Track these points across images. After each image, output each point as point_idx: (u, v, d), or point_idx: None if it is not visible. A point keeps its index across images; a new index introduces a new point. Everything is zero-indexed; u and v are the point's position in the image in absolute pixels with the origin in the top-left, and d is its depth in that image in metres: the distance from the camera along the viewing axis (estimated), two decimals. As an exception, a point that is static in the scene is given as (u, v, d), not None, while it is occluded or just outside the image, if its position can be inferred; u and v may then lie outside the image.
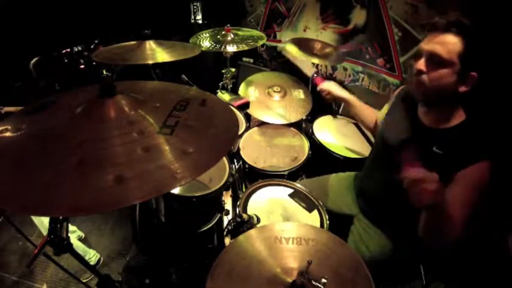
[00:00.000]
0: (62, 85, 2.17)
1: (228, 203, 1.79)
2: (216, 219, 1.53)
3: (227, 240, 1.35)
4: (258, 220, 1.21)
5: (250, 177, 1.79)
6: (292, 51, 2.04)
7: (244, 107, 1.85)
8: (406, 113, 1.20)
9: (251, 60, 3.00)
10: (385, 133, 1.31)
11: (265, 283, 0.85)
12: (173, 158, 0.65)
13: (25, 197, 0.57)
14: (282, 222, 1.28)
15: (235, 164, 1.74)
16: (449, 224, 0.98)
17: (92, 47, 2.29)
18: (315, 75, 1.82)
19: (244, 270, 0.87)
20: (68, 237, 0.83)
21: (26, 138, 0.72)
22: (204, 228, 1.49)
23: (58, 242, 0.81)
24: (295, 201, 1.43)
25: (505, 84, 1.21)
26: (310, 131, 1.95)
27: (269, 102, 2.03)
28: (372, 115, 1.54)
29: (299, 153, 1.90)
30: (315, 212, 1.38)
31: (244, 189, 1.76)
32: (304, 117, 2.00)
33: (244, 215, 1.19)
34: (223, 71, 2.17)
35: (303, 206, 1.40)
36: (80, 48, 2.26)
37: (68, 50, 2.23)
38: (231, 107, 1.71)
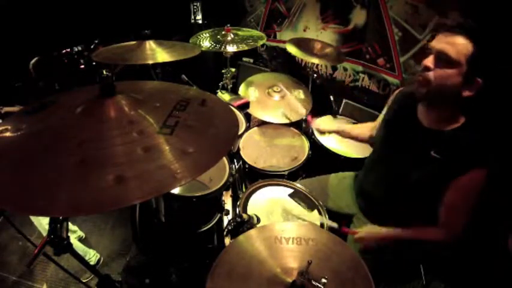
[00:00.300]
0: (61, 85, 2.17)
1: (228, 203, 1.79)
2: (216, 219, 1.53)
3: (227, 240, 1.35)
4: (258, 220, 1.21)
5: (250, 177, 1.79)
6: (292, 51, 2.04)
7: (244, 107, 1.85)
8: (405, 113, 1.20)
9: (251, 60, 3.00)
10: (384, 133, 1.31)
11: (265, 283, 0.85)
12: (173, 158, 0.65)
13: (25, 197, 0.57)
14: (282, 222, 1.28)
15: (235, 164, 1.74)
16: (432, 237, 1.12)
17: (92, 47, 2.29)
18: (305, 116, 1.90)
19: (244, 270, 0.87)
20: (68, 237, 0.83)
21: (26, 138, 0.72)
22: (204, 228, 1.49)
23: (58, 242, 0.81)
24: (295, 201, 1.43)
25: (505, 87, 1.21)
26: (310, 131, 1.95)
27: (269, 102, 2.03)
28: (366, 130, 1.55)
29: (299, 153, 1.90)
30: (315, 212, 1.38)
31: (244, 189, 1.76)
32: (304, 117, 2.00)
33: (244, 215, 1.19)
34: (223, 71, 2.17)
35: (303, 206, 1.40)
36: (80, 48, 2.26)
37: (68, 50, 2.23)
38: (231, 107, 1.71)
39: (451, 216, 1.07)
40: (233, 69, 2.18)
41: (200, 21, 2.82)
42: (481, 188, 1.02)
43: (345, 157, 1.77)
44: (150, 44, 1.56)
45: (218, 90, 2.10)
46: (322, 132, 1.75)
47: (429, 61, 1.01)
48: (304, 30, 2.64)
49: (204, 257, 1.45)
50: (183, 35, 2.13)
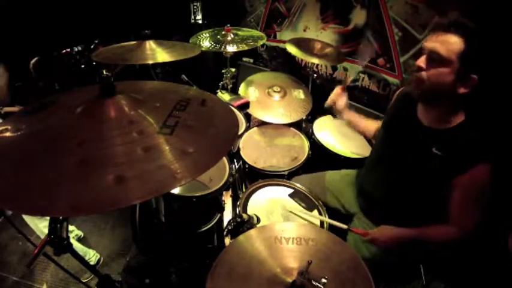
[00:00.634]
0: (61, 85, 2.17)
1: (228, 203, 1.79)
2: (216, 219, 1.53)
3: (227, 240, 1.35)
4: (258, 220, 1.21)
5: (250, 177, 1.79)
6: (292, 51, 2.04)
7: (244, 107, 1.85)
8: (405, 113, 1.20)
9: (251, 60, 3.00)
10: (385, 133, 1.31)
11: (265, 283, 0.85)
12: (173, 158, 0.65)
13: (25, 197, 0.57)
14: (282, 222, 1.28)
15: (235, 164, 1.74)
16: (444, 235, 1.11)
17: (92, 47, 2.29)
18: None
19: (244, 270, 0.87)
20: (68, 237, 0.83)
21: (26, 138, 0.72)
22: (204, 228, 1.49)
23: (58, 242, 0.81)
24: (295, 201, 1.43)
25: (504, 85, 1.21)
26: (310, 131, 1.95)
27: (269, 102, 2.03)
28: (372, 128, 1.55)
29: (299, 153, 1.90)
30: (315, 212, 1.38)
31: (244, 189, 1.76)
32: (304, 117, 2.00)
33: (244, 215, 1.19)
34: (223, 71, 2.17)
35: (303, 206, 1.40)
36: (80, 48, 2.26)
37: (68, 50, 2.23)
38: (231, 107, 1.71)
39: (461, 214, 1.07)
40: (233, 69, 2.18)
41: (200, 21, 2.82)
42: (488, 183, 1.02)
43: (345, 157, 1.77)
44: (150, 44, 1.55)
45: (218, 90, 2.10)
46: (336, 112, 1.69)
47: (421, 61, 1.02)
48: (304, 30, 2.63)
49: (204, 257, 1.45)
50: (183, 35, 2.13)
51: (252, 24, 2.94)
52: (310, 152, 1.83)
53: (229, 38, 1.96)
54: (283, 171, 1.69)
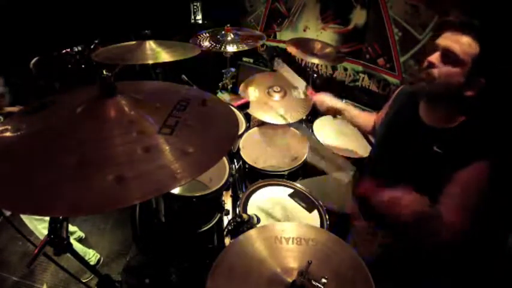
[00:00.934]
0: (62, 84, 2.17)
1: (228, 203, 1.79)
2: (216, 219, 1.53)
3: (227, 240, 1.35)
4: (258, 220, 1.21)
5: (250, 177, 1.79)
6: (292, 51, 2.04)
7: (244, 107, 1.85)
8: (407, 111, 1.20)
9: (251, 60, 3.00)
10: (385, 132, 1.31)
11: (265, 283, 0.85)
12: (173, 158, 0.65)
13: (25, 197, 0.57)
14: (282, 222, 1.28)
15: (235, 164, 1.74)
16: (440, 225, 1.02)
17: (92, 47, 2.29)
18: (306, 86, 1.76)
19: (244, 270, 0.87)
20: (68, 237, 0.83)
21: (26, 138, 0.72)
22: (204, 228, 1.49)
23: (58, 242, 0.81)
24: (295, 201, 1.43)
25: (505, 85, 1.21)
26: (310, 131, 1.95)
27: (269, 102, 2.02)
28: (368, 119, 1.53)
29: (299, 153, 1.90)
30: (315, 212, 1.38)
31: (244, 189, 1.76)
32: (304, 117, 2.00)
33: (244, 215, 1.19)
34: (223, 71, 2.17)
35: (303, 206, 1.40)
36: (80, 48, 2.27)
37: (68, 50, 2.23)
38: (231, 107, 1.71)
39: (454, 211, 1.06)
40: (233, 69, 2.18)
41: (200, 21, 2.82)
42: (483, 185, 1.01)
43: (345, 157, 1.77)
44: (150, 44, 1.56)
45: (218, 90, 2.10)
46: (321, 109, 1.61)
47: (434, 58, 1.01)
48: (304, 30, 2.64)
49: (204, 257, 1.45)
50: (183, 35, 2.13)
51: (252, 24, 2.94)
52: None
53: (229, 38, 1.96)
54: (283, 171, 1.69)
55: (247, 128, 1.94)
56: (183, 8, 2.80)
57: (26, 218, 1.74)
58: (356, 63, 2.40)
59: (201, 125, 0.77)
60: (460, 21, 0.98)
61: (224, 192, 1.56)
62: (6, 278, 1.89)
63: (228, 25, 2.01)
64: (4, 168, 0.63)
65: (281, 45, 2.83)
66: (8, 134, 0.72)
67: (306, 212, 1.38)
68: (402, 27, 2.02)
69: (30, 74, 2.03)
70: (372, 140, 1.89)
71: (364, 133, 1.54)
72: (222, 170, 1.50)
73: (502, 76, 1.02)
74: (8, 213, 1.72)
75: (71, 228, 2.01)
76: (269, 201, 1.42)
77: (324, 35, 2.50)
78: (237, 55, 2.88)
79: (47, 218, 0.93)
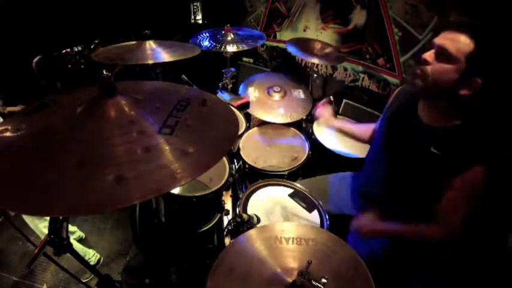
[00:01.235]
0: (63, 84, 2.17)
1: (228, 203, 1.79)
2: (216, 219, 1.53)
3: (227, 240, 1.35)
4: (258, 220, 1.21)
5: (250, 177, 1.79)
6: (292, 51, 2.04)
7: (244, 107, 1.85)
8: (406, 111, 1.20)
9: (251, 60, 3.00)
10: (384, 131, 1.31)
11: (265, 283, 0.85)
12: (173, 158, 0.65)
13: (25, 197, 0.57)
14: (282, 222, 1.28)
15: (235, 164, 1.74)
16: (428, 234, 1.11)
17: (92, 47, 2.29)
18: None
19: (244, 270, 0.87)
20: (68, 237, 0.83)
21: (26, 138, 0.72)
22: (204, 228, 1.49)
23: (58, 242, 0.81)
24: (295, 201, 1.43)
25: (505, 86, 1.21)
26: (310, 131, 1.95)
27: (269, 102, 2.03)
28: (366, 130, 1.54)
29: (299, 153, 1.90)
30: (315, 212, 1.38)
31: (244, 189, 1.76)
32: (304, 117, 2.00)
33: (244, 215, 1.19)
34: (223, 71, 2.17)
35: (303, 206, 1.40)
36: (80, 48, 2.26)
37: (68, 50, 2.22)
38: (231, 107, 1.71)
39: (447, 213, 1.07)
40: (233, 69, 2.18)
41: (200, 21, 2.81)
42: (480, 186, 1.02)
43: (345, 157, 1.77)
44: (150, 44, 1.56)
45: (218, 90, 2.09)
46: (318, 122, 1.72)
47: (428, 55, 1.03)
48: (304, 30, 2.63)
49: (204, 257, 1.45)
50: (183, 35, 2.13)
51: (252, 24, 2.94)
52: (310, 152, 1.83)
53: (229, 38, 1.96)
54: (283, 171, 1.69)
55: (247, 128, 1.94)
56: (183, 8, 2.80)
57: (26, 217, 1.75)
58: (356, 63, 2.40)
59: (201, 125, 0.78)
60: (459, 21, 0.99)
61: (224, 192, 1.57)
62: (6, 278, 1.89)
63: (228, 25, 2.01)
64: (4, 168, 0.63)
65: (281, 45, 2.83)
66: (8, 134, 0.72)
67: (306, 212, 1.38)
68: (402, 27, 2.02)
69: (31, 74, 2.03)
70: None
71: (362, 143, 1.57)
72: (222, 170, 1.50)
73: (500, 77, 1.02)
74: (12, 213, 1.73)
75: (71, 228, 2.01)
76: (269, 201, 1.42)
77: (324, 35, 2.49)
78: (237, 55, 2.88)
79: (48, 217, 0.93)
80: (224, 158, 1.51)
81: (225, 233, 1.23)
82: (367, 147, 1.84)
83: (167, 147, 0.67)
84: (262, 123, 2.06)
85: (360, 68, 2.40)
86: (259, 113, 1.95)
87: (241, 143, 1.86)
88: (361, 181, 1.45)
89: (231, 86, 2.20)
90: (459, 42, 0.96)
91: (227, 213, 1.58)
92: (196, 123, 0.77)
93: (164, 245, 1.60)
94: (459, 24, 0.99)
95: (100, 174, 0.60)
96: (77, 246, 1.89)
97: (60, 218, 0.83)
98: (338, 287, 0.85)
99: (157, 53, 1.51)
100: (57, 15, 2.23)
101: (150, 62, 1.47)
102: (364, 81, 2.42)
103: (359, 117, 2.21)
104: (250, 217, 1.19)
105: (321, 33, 2.51)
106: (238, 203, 1.38)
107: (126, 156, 0.64)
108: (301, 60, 2.75)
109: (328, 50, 2.12)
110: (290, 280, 0.84)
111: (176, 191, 1.40)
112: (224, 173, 1.48)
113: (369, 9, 2.16)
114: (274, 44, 2.89)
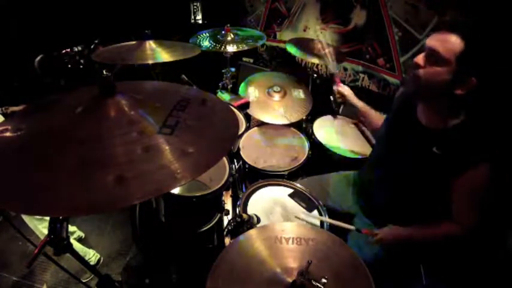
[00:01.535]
0: (67, 81, 2.16)
1: (228, 203, 1.79)
2: (216, 219, 1.53)
3: (227, 240, 1.35)
4: (258, 220, 1.21)
5: (250, 177, 1.79)
6: (292, 51, 2.04)
7: (244, 107, 1.85)
8: (405, 113, 1.20)
9: (251, 60, 3.00)
10: (385, 133, 1.31)
11: (265, 283, 0.85)
12: (173, 158, 0.65)
13: (25, 197, 0.57)
14: (282, 222, 1.28)
15: (235, 164, 1.74)
16: (448, 232, 1.11)
17: (92, 47, 2.29)
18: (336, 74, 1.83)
19: (244, 270, 0.87)
20: (68, 237, 0.83)
21: (26, 138, 0.71)
22: (204, 228, 1.49)
23: (58, 242, 0.81)
24: (295, 201, 1.43)
25: (504, 85, 1.21)
26: (310, 131, 1.95)
27: (269, 102, 2.02)
28: (380, 118, 1.54)
29: (299, 153, 1.90)
30: (315, 212, 1.38)
31: (244, 189, 1.76)
32: (304, 117, 2.00)
33: (244, 215, 1.19)
34: (223, 71, 2.17)
35: (303, 206, 1.40)
36: (80, 48, 2.26)
37: (68, 50, 2.22)
38: (231, 107, 1.71)
39: (464, 211, 1.08)
40: (233, 69, 2.18)
41: (200, 21, 2.81)
42: (488, 182, 1.02)
43: (345, 157, 1.77)
44: (150, 44, 1.56)
45: (218, 90, 2.09)
46: (338, 100, 1.73)
47: (419, 58, 1.03)
48: (304, 30, 2.64)
49: (204, 257, 1.45)
50: (182, 35, 2.13)
51: (252, 24, 2.94)
52: (310, 152, 1.83)
53: (229, 38, 1.96)
54: (283, 171, 1.69)
55: (247, 128, 1.94)
56: (183, 8, 2.80)
57: (26, 217, 1.75)
58: (356, 63, 2.41)
59: (201, 125, 0.77)
60: (451, 20, 0.98)
61: (224, 192, 1.56)
62: (6, 278, 1.89)
63: (228, 25, 2.01)
64: (4, 168, 0.63)
65: (281, 45, 2.83)
66: (8, 134, 0.72)
67: (306, 212, 1.38)
68: (402, 27, 2.02)
69: (35, 72, 2.03)
70: (373, 139, 1.89)
71: (372, 131, 1.57)
72: (222, 170, 1.50)
73: (496, 76, 1.02)
74: (12, 213, 1.73)
75: (71, 228, 2.01)
76: (269, 201, 1.42)
77: (324, 35, 2.50)
78: (237, 55, 2.88)
79: (47, 218, 0.93)
80: (224, 158, 1.51)
81: (225, 233, 1.23)
82: (367, 147, 1.85)
83: (167, 147, 0.67)
84: (262, 123, 2.06)
85: (360, 68, 2.40)
86: (259, 113, 1.95)
87: (241, 143, 1.86)
88: (362, 182, 1.45)
89: (231, 86, 2.20)
90: (449, 42, 0.95)
91: (227, 213, 1.58)
92: (196, 123, 0.77)
93: (164, 245, 1.60)
94: (451, 24, 0.98)
95: (100, 174, 0.60)
96: (77, 246, 1.89)
97: (60, 218, 0.83)
98: (338, 287, 0.85)
99: (157, 53, 1.51)
100: (57, 15, 2.23)
101: (150, 62, 1.47)
102: (364, 81, 2.42)
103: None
104: (250, 217, 1.19)
105: (321, 33, 2.52)
106: (238, 203, 1.38)
107: (126, 156, 0.63)
108: (301, 60, 2.76)
109: (328, 50, 2.12)
110: (290, 280, 0.84)
111: (176, 191, 1.40)
112: (224, 173, 1.48)
113: (369, 9, 2.17)
114: (274, 44, 2.90)
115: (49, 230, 0.81)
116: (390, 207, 1.28)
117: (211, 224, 1.51)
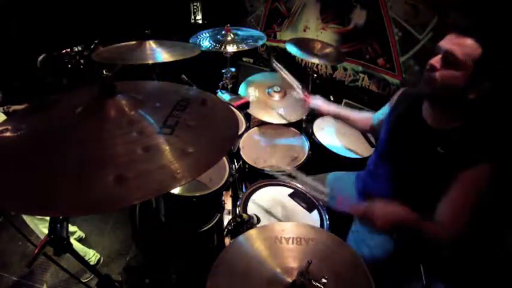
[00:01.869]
0: (69, 80, 2.16)
1: (228, 203, 1.78)
2: (216, 219, 1.53)
3: (227, 240, 1.35)
4: (258, 220, 1.21)
5: (250, 177, 1.79)
6: (292, 51, 2.04)
7: (244, 107, 1.85)
8: (410, 113, 1.20)
9: (251, 60, 3.01)
10: (389, 133, 1.31)
11: (265, 283, 0.85)
12: (173, 158, 0.65)
13: (25, 197, 0.57)
14: (282, 222, 1.28)
15: (235, 164, 1.74)
16: (434, 230, 1.05)
17: (92, 47, 2.29)
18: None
19: (244, 270, 0.87)
20: (68, 237, 0.83)
21: (26, 138, 0.72)
22: (204, 228, 1.49)
23: (58, 242, 0.81)
24: (295, 201, 1.43)
25: (506, 86, 1.21)
26: (310, 131, 1.95)
27: (269, 102, 2.02)
28: (365, 118, 1.54)
29: (299, 153, 1.90)
30: (315, 212, 1.38)
31: (244, 189, 1.76)
32: (304, 117, 2.00)
33: (244, 215, 1.19)
34: (223, 71, 2.17)
35: (303, 206, 1.40)
36: (79, 48, 2.26)
37: (68, 50, 2.22)
38: (231, 107, 1.71)
39: (452, 214, 1.06)
40: (233, 69, 2.18)
41: (200, 21, 2.82)
42: (484, 186, 1.01)
43: (345, 157, 1.77)
44: (150, 44, 1.56)
45: (218, 90, 2.09)
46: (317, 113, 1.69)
47: (436, 61, 1.01)
48: (304, 30, 2.64)
49: (204, 257, 1.45)
50: (182, 35, 2.13)
51: (252, 24, 2.94)
52: (310, 152, 1.83)
53: (229, 38, 1.96)
54: (283, 171, 1.69)
55: (247, 128, 1.94)
56: (183, 8, 2.80)
57: (26, 217, 1.75)
58: (356, 63, 2.41)
59: (201, 125, 0.77)
60: (464, 24, 0.98)
61: (224, 192, 1.56)
62: (6, 278, 1.89)
63: (228, 25, 2.01)
64: (4, 168, 0.63)
65: (281, 45, 2.83)
66: (8, 134, 0.72)
67: (306, 212, 1.38)
68: (402, 27, 2.02)
69: (37, 71, 2.03)
70: (372, 139, 1.89)
71: (363, 132, 1.55)
72: (222, 170, 1.50)
73: (506, 78, 1.01)
74: (12, 212, 1.73)
75: (71, 228, 2.01)
76: (269, 201, 1.42)
77: (324, 35, 2.50)
78: (237, 55, 2.88)
79: (48, 218, 0.93)
80: (224, 158, 1.51)
81: (225, 233, 1.23)
82: (367, 147, 1.85)
83: (167, 147, 0.67)
84: (262, 123, 2.06)
85: (360, 68, 2.40)
86: (259, 113, 1.95)
87: (241, 143, 1.86)
88: (364, 182, 1.45)
89: (231, 86, 2.20)
90: (466, 46, 0.94)
91: (227, 213, 1.58)
92: (196, 123, 0.77)
93: (164, 245, 1.60)
94: (464, 28, 0.97)
95: (100, 174, 0.60)
96: (77, 246, 1.89)
97: (60, 218, 0.83)
98: (338, 287, 0.85)
99: (157, 53, 1.51)
100: (57, 15, 2.23)
101: (150, 62, 1.47)
102: (364, 81, 2.42)
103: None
104: (250, 217, 1.19)
105: (321, 33, 2.52)
106: (238, 203, 1.38)
107: (126, 156, 0.63)
108: (301, 60, 2.76)
109: (328, 50, 2.12)
110: (290, 280, 0.84)
111: (176, 191, 1.39)
112: (224, 173, 1.48)
113: (369, 9, 2.17)
114: (274, 44, 2.90)
115: (49, 230, 0.81)
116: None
117: (211, 224, 1.51)
